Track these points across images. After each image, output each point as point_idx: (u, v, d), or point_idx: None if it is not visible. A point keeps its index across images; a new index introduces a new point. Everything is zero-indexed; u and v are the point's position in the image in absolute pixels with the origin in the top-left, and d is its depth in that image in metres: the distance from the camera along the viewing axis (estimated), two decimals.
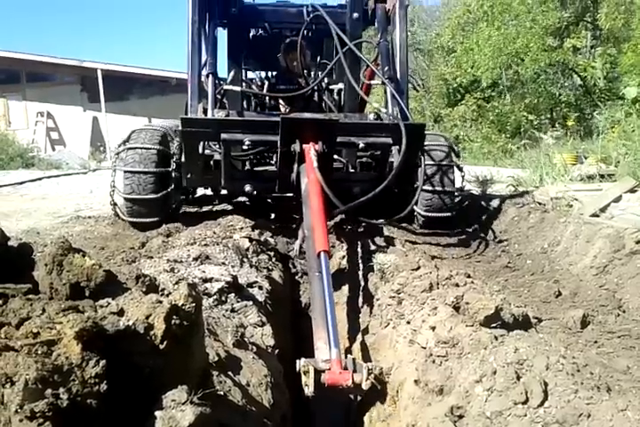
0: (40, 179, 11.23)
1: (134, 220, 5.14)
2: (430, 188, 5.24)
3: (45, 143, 21.17)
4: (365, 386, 2.02)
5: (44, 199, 8.02)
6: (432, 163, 5.24)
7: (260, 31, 6.07)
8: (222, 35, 5.74)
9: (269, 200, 6.43)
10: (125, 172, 5.05)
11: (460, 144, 21.95)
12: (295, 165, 3.81)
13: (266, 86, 5.86)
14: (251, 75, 6.54)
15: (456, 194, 5.49)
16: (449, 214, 5.37)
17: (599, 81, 20.17)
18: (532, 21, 19.81)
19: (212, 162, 4.76)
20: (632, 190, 4.96)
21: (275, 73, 6.15)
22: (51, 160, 16.25)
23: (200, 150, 4.47)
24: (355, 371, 2.06)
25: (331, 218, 4.09)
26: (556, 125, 20.10)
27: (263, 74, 6.37)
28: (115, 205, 5.30)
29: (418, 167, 4.91)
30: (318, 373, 2.03)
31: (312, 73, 6.16)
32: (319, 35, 5.86)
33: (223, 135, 4.08)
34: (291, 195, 4.50)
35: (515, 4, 20.37)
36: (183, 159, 4.69)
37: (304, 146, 3.71)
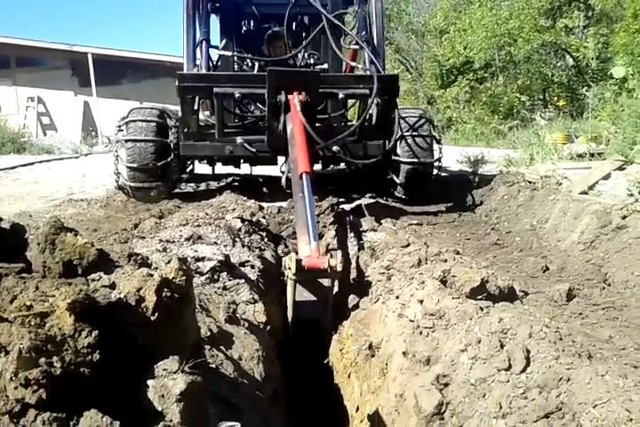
0: (32, 163, 11.17)
1: (137, 185, 5.45)
2: (409, 159, 5.56)
3: (36, 128, 21.00)
4: (339, 268, 2.33)
5: (37, 183, 8.00)
6: (409, 133, 5.60)
7: (250, 16, 6.55)
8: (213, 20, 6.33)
9: (260, 179, 7.02)
10: (127, 141, 5.40)
11: (452, 126, 21.95)
12: (282, 116, 4.15)
13: (256, 67, 6.05)
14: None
15: (435, 165, 5.77)
16: (427, 184, 5.75)
17: (591, 61, 20.06)
18: (525, 2, 19.66)
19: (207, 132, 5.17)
20: (621, 168, 5.00)
21: (265, 57, 6.41)
22: (42, 145, 16.16)
23: (195, 106, 4.94)
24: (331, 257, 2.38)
25: (315, 156, 4.49)
26: (549, 106, 20.08)
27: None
28: (118, 173, 5.65)
29: (393, 119, 5.24)
30: (300, 261, 2.32)
31: (300, 55, 6.35)
32: (305, 18, 6.48)
33: (215, 89, 4.53)
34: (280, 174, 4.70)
35: None
36: (179, 121, 5.19)
37: (289, 96, 4.05)
